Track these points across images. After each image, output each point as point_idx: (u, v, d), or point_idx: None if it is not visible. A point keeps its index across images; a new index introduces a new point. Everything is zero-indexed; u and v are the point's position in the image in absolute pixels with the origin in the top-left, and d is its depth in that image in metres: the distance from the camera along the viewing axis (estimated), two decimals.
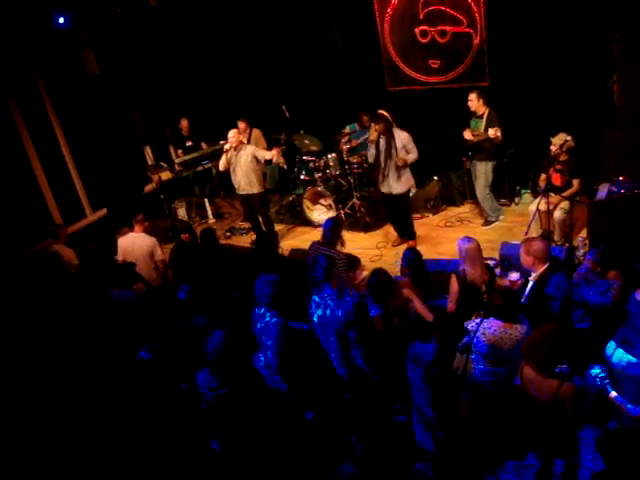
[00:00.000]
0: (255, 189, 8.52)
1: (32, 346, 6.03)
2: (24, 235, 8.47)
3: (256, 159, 8.45)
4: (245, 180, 8.45)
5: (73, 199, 9.65)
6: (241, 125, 9.78)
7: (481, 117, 7.90)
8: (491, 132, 7.67)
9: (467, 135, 7.95)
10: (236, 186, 8.61)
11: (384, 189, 7.97)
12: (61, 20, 8.50)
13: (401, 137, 7.65)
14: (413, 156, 7.71)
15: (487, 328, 4.59)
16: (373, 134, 7.73)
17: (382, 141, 7.69)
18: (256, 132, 9.88)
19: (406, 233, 8.27)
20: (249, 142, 9.77)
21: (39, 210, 8.98)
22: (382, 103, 9.00)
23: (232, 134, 8.37)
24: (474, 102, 7.85)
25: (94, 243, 8.52)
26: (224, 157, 8.43)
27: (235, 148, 8.34)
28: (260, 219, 8.88)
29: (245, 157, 8.38)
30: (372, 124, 7.80)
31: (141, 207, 8.36)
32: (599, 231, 6.42)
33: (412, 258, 5.80)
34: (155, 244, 7.37)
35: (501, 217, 8.46)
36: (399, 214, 8.25)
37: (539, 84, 8.23)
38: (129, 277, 6.40)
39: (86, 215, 9.82)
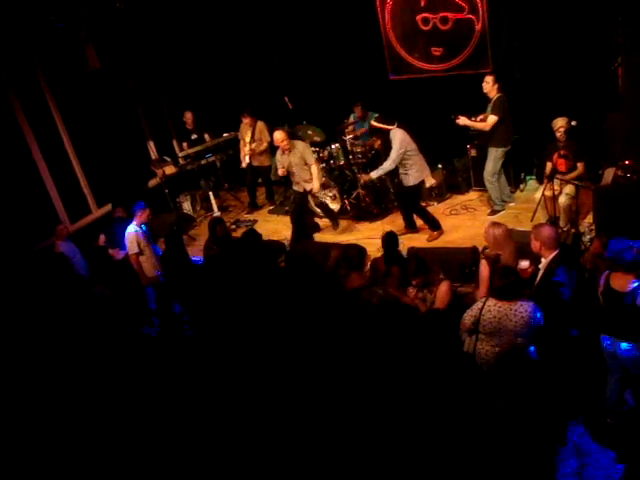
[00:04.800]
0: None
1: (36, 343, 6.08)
2: (30, 232, 8.48)
3: (304, 161, 8.25)
4: (302, 178, 8.34)
5: (78, 195, 9.66)
6: (246, 120, 9.77)
7: (490, 101, 7.93)
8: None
9: (460, 121, 8.04)
10: (295, 182, 8.46)
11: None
12: None
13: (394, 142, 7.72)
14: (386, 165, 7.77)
15: (490, 307, 4.70)
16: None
17: None
18: (260, 125, 9.85)
19: (410, 224, 8.32)
20: (254, 135, 9.75)
21: (44, 207, 9.00)
22: (384, 92, 9.02)
23: (281, 137, 8.09)
24: (488, 84, 7.86)
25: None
26: (279, 165, 8.28)
27: (287, 151, 8.17)
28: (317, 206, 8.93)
29: (298, 156, 8.20)
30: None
31: (145, 202, 8.36)
32: (605, 216, 6.40)
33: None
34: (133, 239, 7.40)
35: (511, 204, 8.44)
36: (406, 206, 8.33)
37: (542, 69, 8.20)
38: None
39: (91, 211, 9.83)
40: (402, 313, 5.08)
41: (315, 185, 8.30)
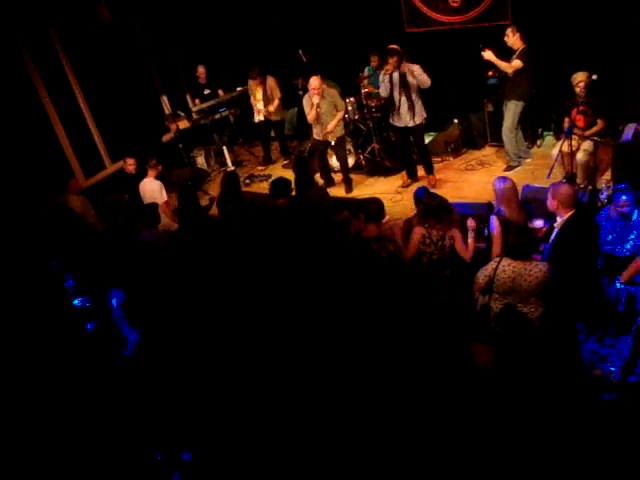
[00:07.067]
0: (338, 134, 8.42)
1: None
2: (45, 188, 8.50)
3: (335, 107, 8.29)
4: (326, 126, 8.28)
5: (92, 151, 9.65)
6: (254, 81, 9.63)
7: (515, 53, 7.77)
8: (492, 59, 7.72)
9: (486, 54, 7.76)
10: (316, 131, 8.44)
11: (399, 123, 7.97)
12: None
13: (413, 69, 7.61)
14: (426, 80, 7.62)
15: (505, 267, 4.66)
16: (388, 67, 7.70)
17: (395, 74, 7.69)
18: (270, 82, 9.68)
19: (426, 168, 8.34)
20: (265, 93, 9.63)
21: (59, 163, 9.01)
22: (400, 45, 8.82)
23: (316, 83, 8.04)
24: (509, 37, 7.70)
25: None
26: (313, 109, 8.15)
27: (317, 97, 8.10)
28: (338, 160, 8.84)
29: (329, 102, 8.21)
30: (387, 58, 7.74)
31: (159, 157, 8.37)
32: (624, 173, 6.30)
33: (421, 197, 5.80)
34: (160, 187, 7.90)
35: (528, 160, 8.33)
36: (415, 147, 8.29)
37: (563, 20, 7.97)
38: (154, 217, 6.66)
39: (105, 166, 9.83)
40: (405, 273, 5.10)
41: (331, 124, 8.26)
